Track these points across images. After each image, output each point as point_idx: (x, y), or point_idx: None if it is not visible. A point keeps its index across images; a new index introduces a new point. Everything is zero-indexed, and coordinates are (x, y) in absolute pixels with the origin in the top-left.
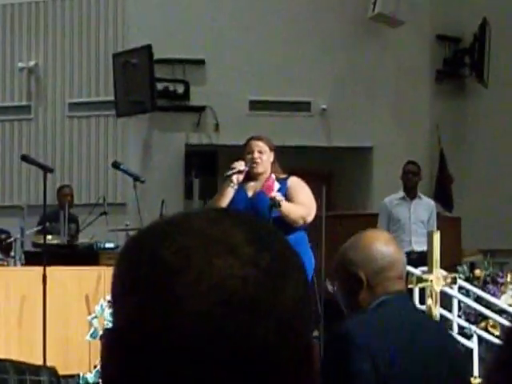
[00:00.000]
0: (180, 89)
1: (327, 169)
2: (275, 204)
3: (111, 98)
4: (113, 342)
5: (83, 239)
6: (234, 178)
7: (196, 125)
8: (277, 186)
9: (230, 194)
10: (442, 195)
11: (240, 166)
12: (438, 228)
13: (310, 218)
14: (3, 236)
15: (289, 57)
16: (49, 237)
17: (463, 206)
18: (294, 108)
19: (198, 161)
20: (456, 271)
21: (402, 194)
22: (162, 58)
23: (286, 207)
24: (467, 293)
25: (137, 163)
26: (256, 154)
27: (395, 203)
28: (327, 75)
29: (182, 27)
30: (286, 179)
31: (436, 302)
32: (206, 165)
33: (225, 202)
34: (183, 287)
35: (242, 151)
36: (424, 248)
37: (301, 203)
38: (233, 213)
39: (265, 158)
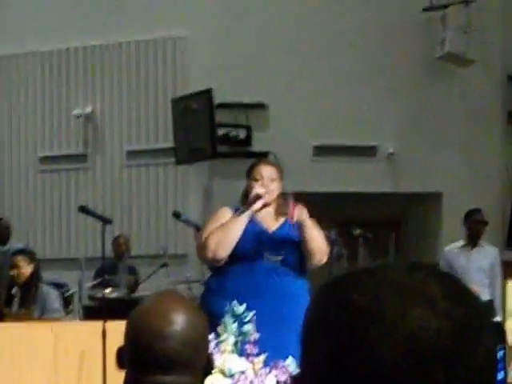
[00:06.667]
0: (242, 134)
1: (395, 216)
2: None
3: (170, 144)
4: None
5: (144, 291)
6: (258, 204)
7: None
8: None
9: (245, 222)
10: None
11: (259, 189)
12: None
13: (325, 258)
14: (62, 290)
15: (354, 100)
16: (107, 290)
17: None
18: (360, 153)
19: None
20: None
21: (462, 242)
22: (222, 103)
23: (313, 229)
24: None
25: (198, 212)
26: (266, 181)
27: (455, 252)
28: (394, 118)
29: (243, 71)
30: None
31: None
32: None
33: (240, 230)
34: (377, 335)
35: (250, 177)
36: (487, 297)
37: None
38: (426, 265)
39: (275, 187)
